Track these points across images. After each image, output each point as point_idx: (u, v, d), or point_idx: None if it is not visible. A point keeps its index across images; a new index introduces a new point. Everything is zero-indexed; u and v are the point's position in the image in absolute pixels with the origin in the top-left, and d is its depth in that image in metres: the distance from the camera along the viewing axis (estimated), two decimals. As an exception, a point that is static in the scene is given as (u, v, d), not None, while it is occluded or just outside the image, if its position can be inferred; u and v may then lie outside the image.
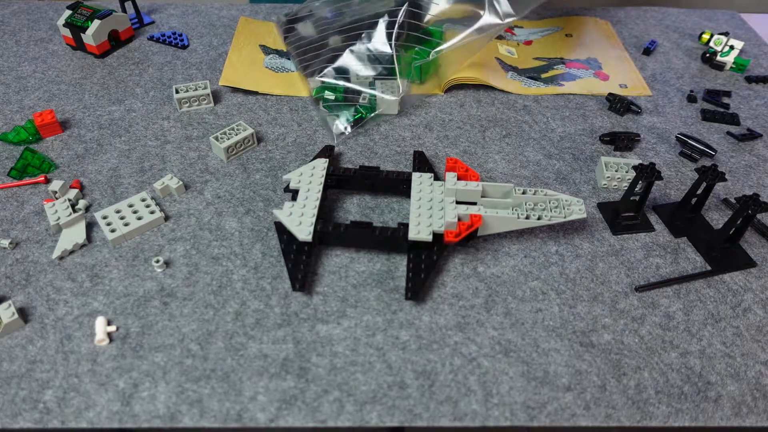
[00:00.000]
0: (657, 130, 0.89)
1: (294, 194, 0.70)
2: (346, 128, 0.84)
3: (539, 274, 0.67)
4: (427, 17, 0.90)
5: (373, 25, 0.91)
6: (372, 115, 0.86)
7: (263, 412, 0.54)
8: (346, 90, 0.87)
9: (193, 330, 0.60)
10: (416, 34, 0.90)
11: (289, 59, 0.99)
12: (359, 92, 0.86)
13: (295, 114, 0.88)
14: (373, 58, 0.88)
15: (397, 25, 0.88)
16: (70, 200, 0.71)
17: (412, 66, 0.89)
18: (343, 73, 0.88)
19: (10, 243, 0.66)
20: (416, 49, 0.89)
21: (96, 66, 0.96)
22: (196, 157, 0.80)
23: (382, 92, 0.86)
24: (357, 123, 0.85)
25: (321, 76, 0.88)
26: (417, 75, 0.93)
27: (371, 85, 0.87)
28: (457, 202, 0.70)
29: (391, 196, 0.76)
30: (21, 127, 0.80)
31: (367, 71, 0.88)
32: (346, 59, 0.89)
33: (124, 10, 1.02)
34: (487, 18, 0.86)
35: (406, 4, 0.89)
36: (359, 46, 0.89)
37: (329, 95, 0.86)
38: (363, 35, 0.90)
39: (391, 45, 0.87)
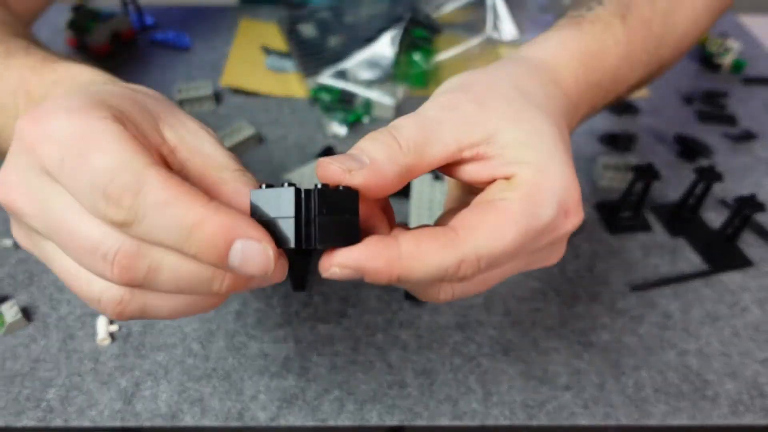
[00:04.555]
0: (655, 130, 0.89)
1: (295, 195, 0.71)
2: (342, 129, 0.84)
3: (538, 274, 0.67)
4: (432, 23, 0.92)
5: (375, 29, 0.91)
6: (367, 120, 0.86)
7: (264, 410, 0.54)
8: (343, 92, 0.87)
9: (195, 329, 0.60)
10: (418, 41, 0.90)
11: (291, 60, 0.99)
12: (355, 95, 0.87)
13: (297, 115, 0.89)
14: (373, 63, 0.89)
15: (401, 31, 0.89)
16: (72, 201, 0.71)
17: (412, 73, 0.89)
18: (341, 75, 0.89)
19: (13, 243, 0.67)
20: (416, 56, 0.89)
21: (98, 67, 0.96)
22: (198, 157, 0.80)
23: (379, 97, 0.86)
24: (353, 125, 0.86)
25: (319, 78, 0.88)
26: (421, 82, 0.93)
27: (368, 88, 0.87)
28: (457, 203, 0.70)
29: (391, 196, 0.76)
30: (23, 128, 0.80)
31: (365, 74, 0.88)
32: (346, 61, 0.89)
33: (126, 12, 1.02)
34: (489, 35, 0.88)
35: (410, 12, 0.90)
36: (360, 49, 0.90)
37: (325, 97, 0.86)
38: (365, 38, 0.91)
39: (393, 50, 0.88)
